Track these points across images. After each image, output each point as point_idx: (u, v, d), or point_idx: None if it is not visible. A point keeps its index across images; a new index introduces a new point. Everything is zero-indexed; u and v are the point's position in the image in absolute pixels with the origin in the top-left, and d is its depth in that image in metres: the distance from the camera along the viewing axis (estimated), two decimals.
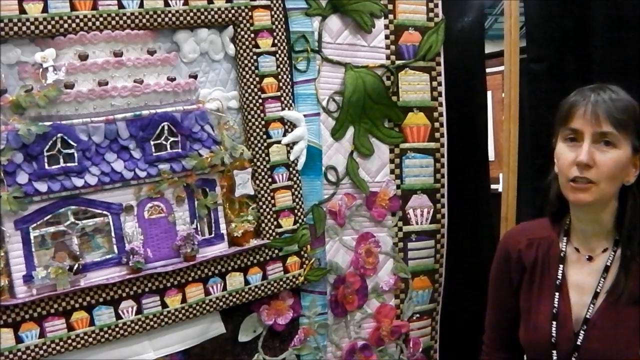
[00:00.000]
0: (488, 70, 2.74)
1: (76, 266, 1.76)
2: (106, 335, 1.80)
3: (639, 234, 1.62)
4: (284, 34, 2.04)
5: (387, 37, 2.21)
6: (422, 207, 2.28)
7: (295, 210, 2.07)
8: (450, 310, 2.40)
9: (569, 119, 1.59)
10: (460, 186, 2.39)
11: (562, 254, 1.71)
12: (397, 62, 2.22)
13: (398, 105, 2.23)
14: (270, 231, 2.03)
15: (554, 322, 1.66)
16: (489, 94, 3.34)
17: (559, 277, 1.70)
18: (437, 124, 2.27)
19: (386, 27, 2.21)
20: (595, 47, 2.28)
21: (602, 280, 1.63)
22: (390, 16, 2.21)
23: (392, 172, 2.24)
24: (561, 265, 1.70)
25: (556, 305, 1.67)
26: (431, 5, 2.25)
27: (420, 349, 2.32)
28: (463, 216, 2.41)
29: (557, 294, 1.68)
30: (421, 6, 2.25)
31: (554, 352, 1.65)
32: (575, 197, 1.59)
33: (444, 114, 2.28)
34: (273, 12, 2.01)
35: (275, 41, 2.02)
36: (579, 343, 1.61)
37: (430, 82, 2.26)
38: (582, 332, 1.62)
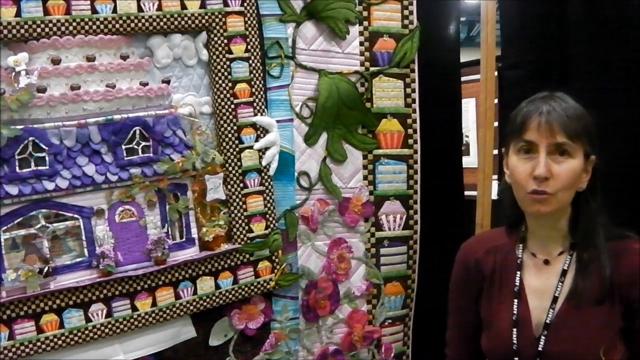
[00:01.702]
0: (473, 77, 2.77)
1: (46, 269, 1.76)
2: (76, 338, 1.81)
3: (593, 237, 1.65)
4: (258, 40, 2.05)
5: (361, 43, 2.22)
6: (394, 213, 2.30)
7: (267, 215, 2.09)
8: (425, 316, 2.42)
9: (522, 130, 1.61)
10: (435, 192, 2.41)
11: (518, 261, 1.74)
12: (372, 69, 2.23)
13: (372, 112, 2.24)
14: (242, 236, 2.05)
15: (515, 329, 1.68)
16: (474, 100, 3.37)
17: (517, 283, 1.72)
18: (410, 131, 2.29)
19: (361, 33, 2.22)
20: (572, 54, 2.31)
21: (560, 284, 1.66)
22: (365, 23, 2.22)
23: (365, 178, 2.26)
24: (518, 272, 1.73)
25: (515, 311, 1.69)
26: (406, 12, 2.27)
27: (393, 355, 2.33)
28: (438, 222, 2.43)
29: (515, 300, 1.71)
30: (396, 13, 2.26)
31: (516, 358, 1.66)
32: (534, 210, 1.62)
33: (418, 120, 2.30)
34: (246, 19, 2.02)
35: (249, 47, 2.03)
36: (540, 348, 1.63)
37: (404, 89, 2.28)
38: (543, 336, 1.64)
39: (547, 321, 1.64)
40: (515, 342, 1.67)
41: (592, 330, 1.60)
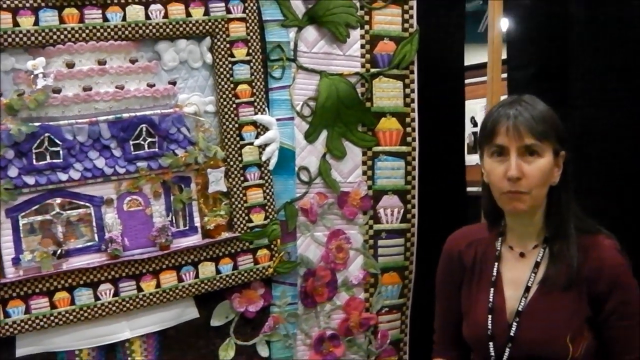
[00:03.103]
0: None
1: (59, 251, 1.96)
2: (86, 314, 2.00)
3: (564, 229, 1.76)
4: (259, 44, 2.20)
5: (362, 46, 2.35)
6: (392, 207, 2.41)
7: (266, 207, 2.23)
8: (424, 306, 2.52)
9: (493, 136, 1.72)
10: (437, 189, 2.53)
11: (497, 253, 1.86)
12: (372, 70, 2.36)
13: (371, 111, 2.37)
14: (242, 225, 2.20)
15: (490, 316, 1.80)
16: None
17: (494, 274, 1.84)
18: (409, 129, 2.41)
19: (362, 37, 2.35)
20: (574, 54, 2.38)
21: (533, 274, 1.78)
22: (367, 27, 2.35)
23: (364, 173, 2.38)
24: (496, 263, 1.85)
25: (491, 300, 1.82)
26: (406, 16, 2.38)
27: (389, 341, 2.45)
28: (440, 217, 2.52)
29: (492, 289, 1.83)
30: (397, 17, 2.38)
31: (491, 343, 1.78)
32: (511, 207, 1.74)
33: (417, 119, 2.41)
34: (248, 24, 2.18)
35: (250, 51, 2.18)
36: (512, 334, 1.75)
37: (403, 89, 2.40)
38: (515, 323, 1.75)
39: (520, 309, 1.76)
40: (490, 328, 1.79)
41: (560, 317, 1.71)
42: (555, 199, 1.78)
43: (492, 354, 1.78)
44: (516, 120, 1.68)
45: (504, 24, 2.66)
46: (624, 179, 2.31)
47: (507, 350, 1.75)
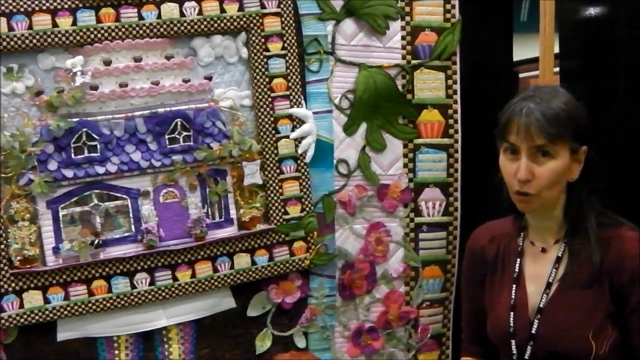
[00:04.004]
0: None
1: (96, 241, 2.05)
2: (122, 302, 2.08)
3: (583, 225, 1.70)
4: (294, 38, 2.21)
5: (403, 37, 2.32)
6: (434, 200, 2.38)
7: (303, 199, 2.25)
8: None
9: (505, 133, 1.68)
10: (480, 181, 2.46)
11: (519, 248, 1.82)
12: (413, 62, 2.32)
13: (412, 103, 2.34)
14: (278, 217, 2.23)
15: (512, 313, 1.77)
16: None
17: (516, 269, 1.80)
18: (451, 121, 2.36)
19: (403, 28, 2.31)
20: (624, 44, 2.29)
21: (554, 270, 1.74)
22: (407, 18, 2.32)
23: (405, 166, 2.36)
24: (519, 259, 1.81)
25: (514, 296, 1.78)
26: (448, 6, 2.33)
27: (429, 335, 2.42)
28: (485, 210, 2.46)
29: (514, 285, 1.79)
30: (438, 8, 2.33)
31: (513, 341, 1.75)
32: (521, 207, 1.73)
33: (459, 111, 2.36)
34: (283, 19, 2.19)
35: (285, 45, 2.20)
36: (533, 331, 1.71)
37: (445, 81, 2.35)
38: (536, 320, 1.72)
39: (541, 305, 1.72)
40: (512, 325, 1.76)
41: (581, 314, 1.66)
42: (575, 194, 1.72)
43: (514, 351, 1.74)
44: (528, 120, 1.62)
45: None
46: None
47: (529, 347, 1.72)
